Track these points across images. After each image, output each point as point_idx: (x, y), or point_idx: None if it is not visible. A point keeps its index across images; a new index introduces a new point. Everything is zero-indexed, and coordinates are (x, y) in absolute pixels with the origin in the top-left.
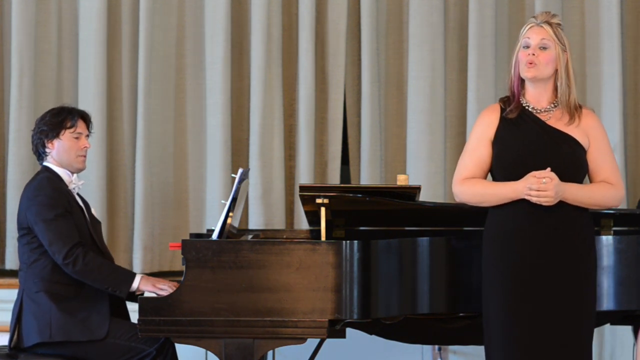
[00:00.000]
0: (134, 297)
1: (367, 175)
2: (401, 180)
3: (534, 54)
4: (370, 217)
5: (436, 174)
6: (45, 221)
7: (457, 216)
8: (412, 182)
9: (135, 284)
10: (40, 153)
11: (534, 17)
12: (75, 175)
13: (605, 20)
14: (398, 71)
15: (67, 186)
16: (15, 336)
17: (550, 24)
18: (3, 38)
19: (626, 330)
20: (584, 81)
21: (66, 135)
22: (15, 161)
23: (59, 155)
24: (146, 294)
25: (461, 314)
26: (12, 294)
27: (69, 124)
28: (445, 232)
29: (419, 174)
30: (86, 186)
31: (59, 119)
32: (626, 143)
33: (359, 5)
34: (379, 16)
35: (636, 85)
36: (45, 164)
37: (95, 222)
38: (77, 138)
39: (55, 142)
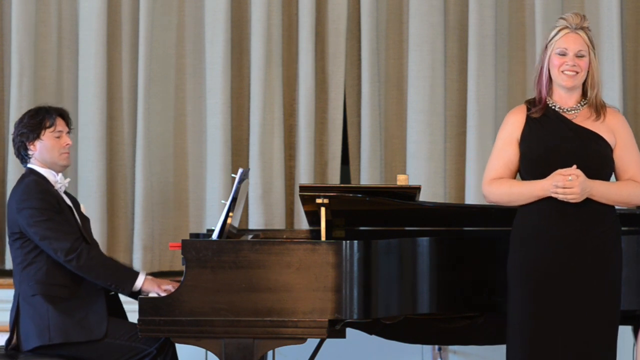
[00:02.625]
0: (135, 296)
1: (367, 175)
2: (401, 180)
3: (574, 65)
4: (370, 217)
5: (436, 174)
6: (40, 222)
7: (457, 216)
8: (412, 182)
9: (139, 283)
10: (23, 156)
11: (563, 18)
12: (60, 174)
13: (605, 20)
14: (398, 71)
15: (53, 186)
16: (13, 340)
17: (583, 29)
18: (3, 38)
19: (626, 330)
20: None
21: (47, 135)
22: (16, 161)
23: (42, 155)
24: (151, 294)
25: (461, 314)
26: (12, 294)
27: (48, 124)
28: (445, 232)
29: (419, 174)
30: (86, 186)
31: (37, 120)
32: None
33: (359, 5)
34: (379, 16)
35: (636, 85)
36: (29, 166)
37: (84, 220)
38: (58, 137)
39: (37, 143)
